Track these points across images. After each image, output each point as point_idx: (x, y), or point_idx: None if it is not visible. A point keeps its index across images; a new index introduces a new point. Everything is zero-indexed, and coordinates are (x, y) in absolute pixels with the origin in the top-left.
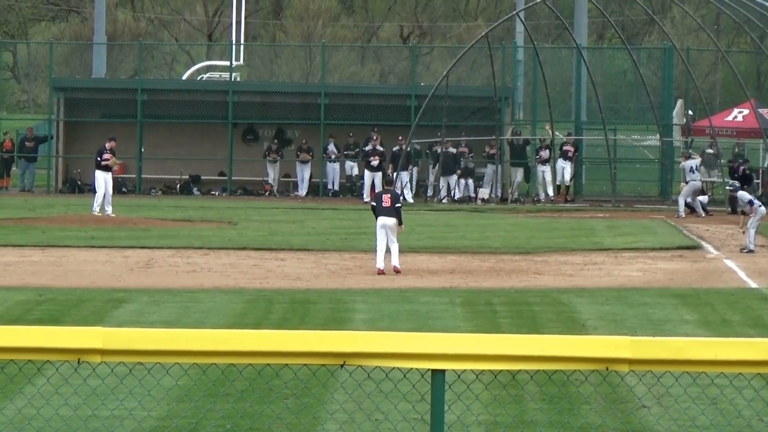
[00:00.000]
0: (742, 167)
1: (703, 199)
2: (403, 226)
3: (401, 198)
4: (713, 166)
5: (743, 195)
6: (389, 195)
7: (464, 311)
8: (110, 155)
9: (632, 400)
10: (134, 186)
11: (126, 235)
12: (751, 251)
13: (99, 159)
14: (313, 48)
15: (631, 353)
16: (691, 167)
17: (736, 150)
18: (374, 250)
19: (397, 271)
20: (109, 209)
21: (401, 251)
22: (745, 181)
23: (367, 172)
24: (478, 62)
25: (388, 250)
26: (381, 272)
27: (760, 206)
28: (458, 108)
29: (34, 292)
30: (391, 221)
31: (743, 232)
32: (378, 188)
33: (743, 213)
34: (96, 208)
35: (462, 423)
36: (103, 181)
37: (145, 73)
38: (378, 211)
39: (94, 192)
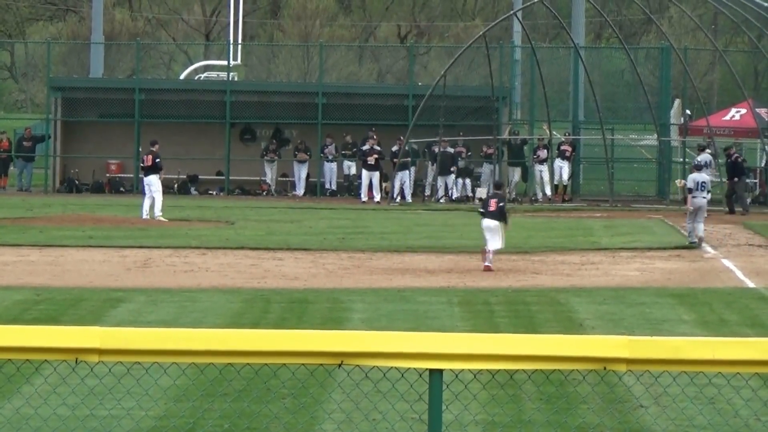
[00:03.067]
0: (736, 155)
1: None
2: (509, 225)
3: (506, 201)
4: (710, 165)
5: (692, 177)
6: (496, 200)
7: (462, 311)
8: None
9: (630, 399)
10: (132, 186)
11: (123, 234)
12: (693, 243)
13: (158, 161)
14: (311, 48)
15: (628, 353)
16: (706, 162)
17: (733, 149)
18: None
19: (488, 269)
20: (159, 213)
21: (400, 251)
22: (736, 171)
23: (364, 172)
24: (476, 62)
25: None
26: (486, 256)
27: (694, 197)
28: (456, 108)
29: (32, 292)
30: (494, 224)
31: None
32: (375, 188)
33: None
34: (159, 212)
35: (459, 423)
36: (158, 182)
37: (143, 72)
38: (483, 213)
39: (144, 195)
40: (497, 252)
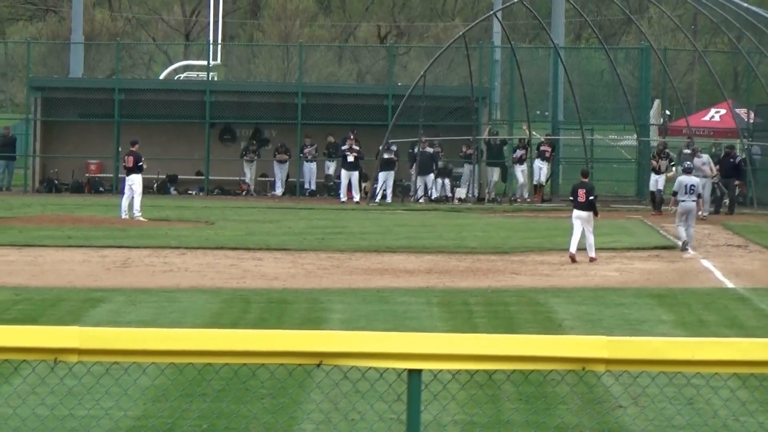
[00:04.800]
0: (739, 157)
1: None
2: (598, 215)
3: (595, 191)
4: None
5: (680, 180)
6: (584, 190)
7: (441, 311)
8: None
9: (609, 400)
10: (111, 186)
11: (103, 234)
12: (685, 248)
13: (141, 164)
14: (291, 48)
15: (607, 353)
16: (704, 163)
17: (713, 150)
18: (570, 237)
19: (592, 260)
20: (138, 213)
21: (379, 251)
22: (736, 172)
23: (343, 172)
24: (456, 62)
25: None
26: (572, 257)
27: (682, 201)
28: (435, 108)
29: (11, 292)
30: (585, 214)
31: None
32: (354, 188)
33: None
34: (138, 212)
35: (438, 423)
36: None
37: (123, 72)
38: (574, 204)
39: (123, 194)
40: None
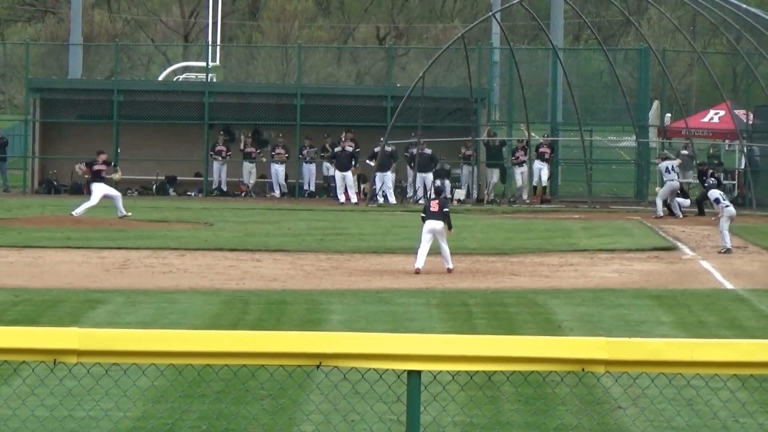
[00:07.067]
0: (710, 171)
1: (684, 201)
2: (452, 230)
3: (448, 203)
4: (688, 167)
5: (712, 193)
6: (437, 201)
7: (440, 312)
8: (106, 167)
9: (608, 401)
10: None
11: (102, 235)
12: (728, 250)
13: (95, 170)
14: (290, 49)
15: (607, 354)
16: (668, 167)
17: (711, 151)
18: (415, 251)
19: (450, 271)
20: (123, 210)
21: (378, 252)
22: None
23: (337, 173)
24: (455, 63)
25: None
26: (418, 271)
27: (727, 206)
28: (434, 109)
29: (10, 293)
30: (439, 225)
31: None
32: (350, 188)
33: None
34: (80, 211)
35: (438, 424)
36: (100, 190)
37: (122, 74)
38: (426, 215)
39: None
40: None
